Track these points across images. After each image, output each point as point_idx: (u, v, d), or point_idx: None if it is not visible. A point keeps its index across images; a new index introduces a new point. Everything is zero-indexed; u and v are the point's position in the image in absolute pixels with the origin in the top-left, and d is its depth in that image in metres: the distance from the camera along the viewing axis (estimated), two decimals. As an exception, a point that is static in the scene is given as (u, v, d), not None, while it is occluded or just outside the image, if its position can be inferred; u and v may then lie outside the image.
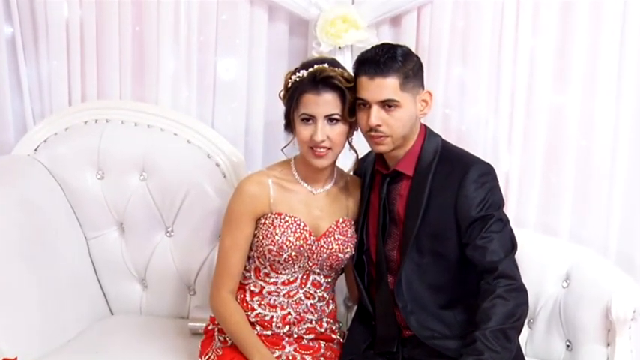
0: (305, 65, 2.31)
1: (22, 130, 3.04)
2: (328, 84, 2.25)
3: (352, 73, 2.29)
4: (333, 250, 2.35)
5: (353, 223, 2.43)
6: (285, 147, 2.42)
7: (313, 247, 2.34)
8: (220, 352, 2.36)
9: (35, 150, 2.87)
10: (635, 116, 2.81)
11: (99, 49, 3.00)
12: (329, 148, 2.28)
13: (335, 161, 2.37)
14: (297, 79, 2.28)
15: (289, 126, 2.34)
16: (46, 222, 2.67)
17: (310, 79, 2.26)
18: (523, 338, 2.56)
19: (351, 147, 2.39)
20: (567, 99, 2.83)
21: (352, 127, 2.33)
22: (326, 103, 2.25)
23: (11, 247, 2.47)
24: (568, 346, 2.50)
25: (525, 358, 2.31)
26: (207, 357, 2.39)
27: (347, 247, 2.37)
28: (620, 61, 2.78)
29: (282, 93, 2.36)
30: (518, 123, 2.86)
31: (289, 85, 2.31)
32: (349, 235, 2.38)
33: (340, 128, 2.27)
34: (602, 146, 2.82)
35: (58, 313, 2.57)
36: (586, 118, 2.83)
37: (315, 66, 2.28)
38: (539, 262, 2.58)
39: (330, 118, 2.26)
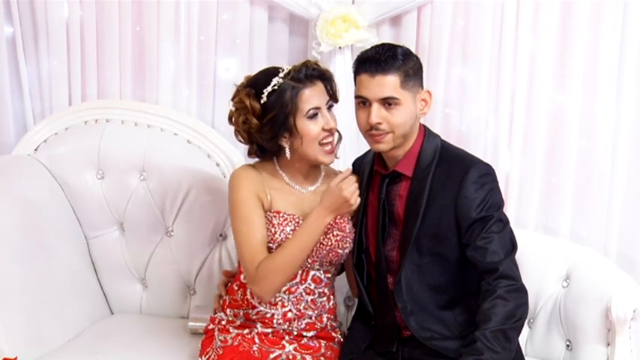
0: (271, 75, 2.32)
1: (22, 130, 3.04)
2: (317, 73, 2.32)
3: (352, 73, 2.30)
4: (332, 246, 2.35)
5: (350, 218, 2.42)
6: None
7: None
8: (221, 352, 2.35)
9: (35, 150, 2.87)
10: (635, 116, 2.80)
11: (99, 49, 3.00)
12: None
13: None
14: (281, 81, 2.29)
15: (274, 139, 2.32)
16: (46, 222, 2.67)
17: (303, 75, 2.29)
18: (523, 338, 2.56)
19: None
20: (567, 99, 2.82)
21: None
22: (322, 92, 2.32)
23: (11, 247, 2.47)
24: (568, 346, 2.50)
25: (525, 358, 2.31)
26: (207, 357, 2.39)
27: (346, 243, 2.37)
28: (620, 61, 2.77)
29: (259, 112, 2.31)
30: (518, 123, 2.86)
31: (271, 97, 2.29)
32: (347, 230, 2.38)
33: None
34: (602, 146, 2.81)
35: (57, 313, 2.57)
36: (586, 118, 2.82)
37: (290, 67, 2.33)
38: (539, 262, 2.58)
39: (329, 106, 2.35)
